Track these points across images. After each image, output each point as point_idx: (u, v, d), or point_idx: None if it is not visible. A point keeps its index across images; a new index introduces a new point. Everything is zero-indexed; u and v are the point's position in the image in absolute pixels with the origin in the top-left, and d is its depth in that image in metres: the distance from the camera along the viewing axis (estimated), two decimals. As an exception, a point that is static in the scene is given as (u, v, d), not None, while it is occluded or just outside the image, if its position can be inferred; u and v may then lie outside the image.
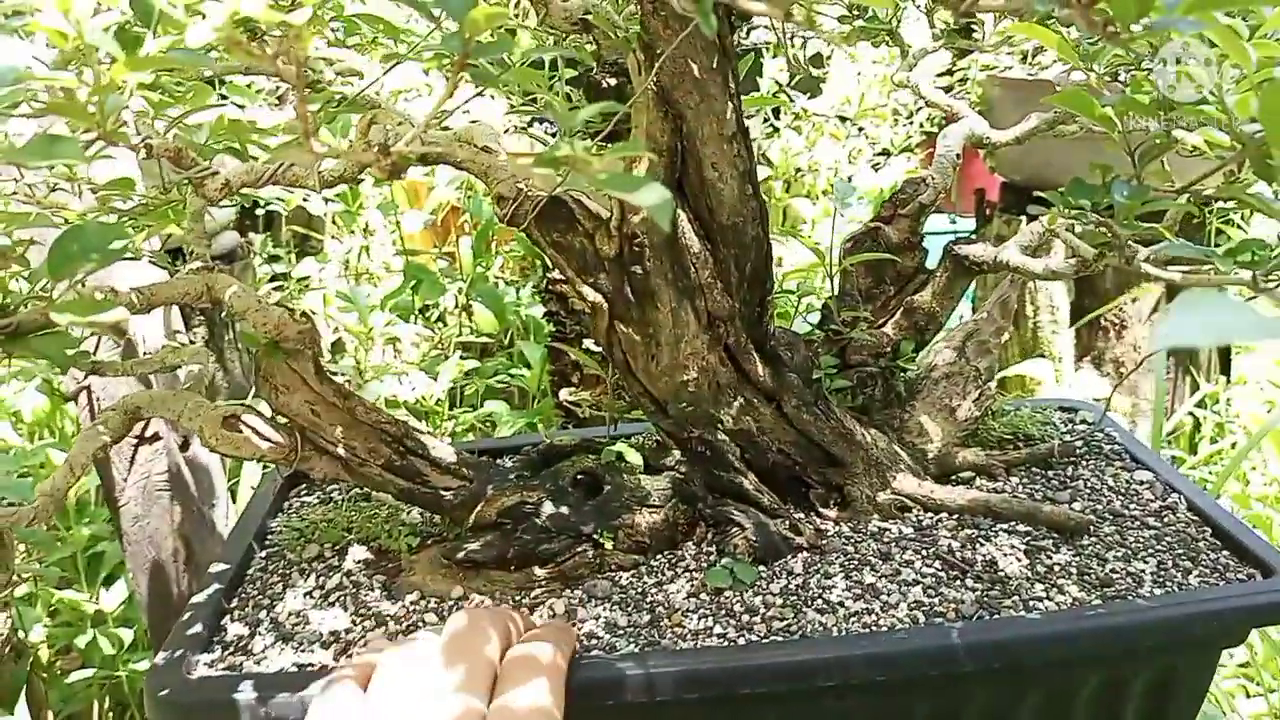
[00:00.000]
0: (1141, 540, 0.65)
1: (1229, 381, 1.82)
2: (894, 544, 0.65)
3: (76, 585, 1.44)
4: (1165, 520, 0.68)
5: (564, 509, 0.66)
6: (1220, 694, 1.23)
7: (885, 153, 2.48)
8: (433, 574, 0.65)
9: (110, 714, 1.37)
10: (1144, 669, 0.60)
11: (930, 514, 0.69)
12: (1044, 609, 0.59)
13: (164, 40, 0.37)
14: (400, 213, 2.07)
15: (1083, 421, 0.82)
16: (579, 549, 0.65)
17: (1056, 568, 0.62)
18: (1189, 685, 0.63)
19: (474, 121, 0.63)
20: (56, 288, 0.44)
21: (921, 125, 2.53)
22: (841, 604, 0.60)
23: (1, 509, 0.54)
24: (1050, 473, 0.74)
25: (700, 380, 0.65)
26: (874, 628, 0.57)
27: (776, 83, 2.34)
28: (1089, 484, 0.72)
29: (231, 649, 0.60)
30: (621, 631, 0.59)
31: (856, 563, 0.64)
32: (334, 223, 2.22)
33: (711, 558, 0.65)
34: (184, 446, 1.10)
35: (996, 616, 0.58)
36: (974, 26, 0.97)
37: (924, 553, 0.64)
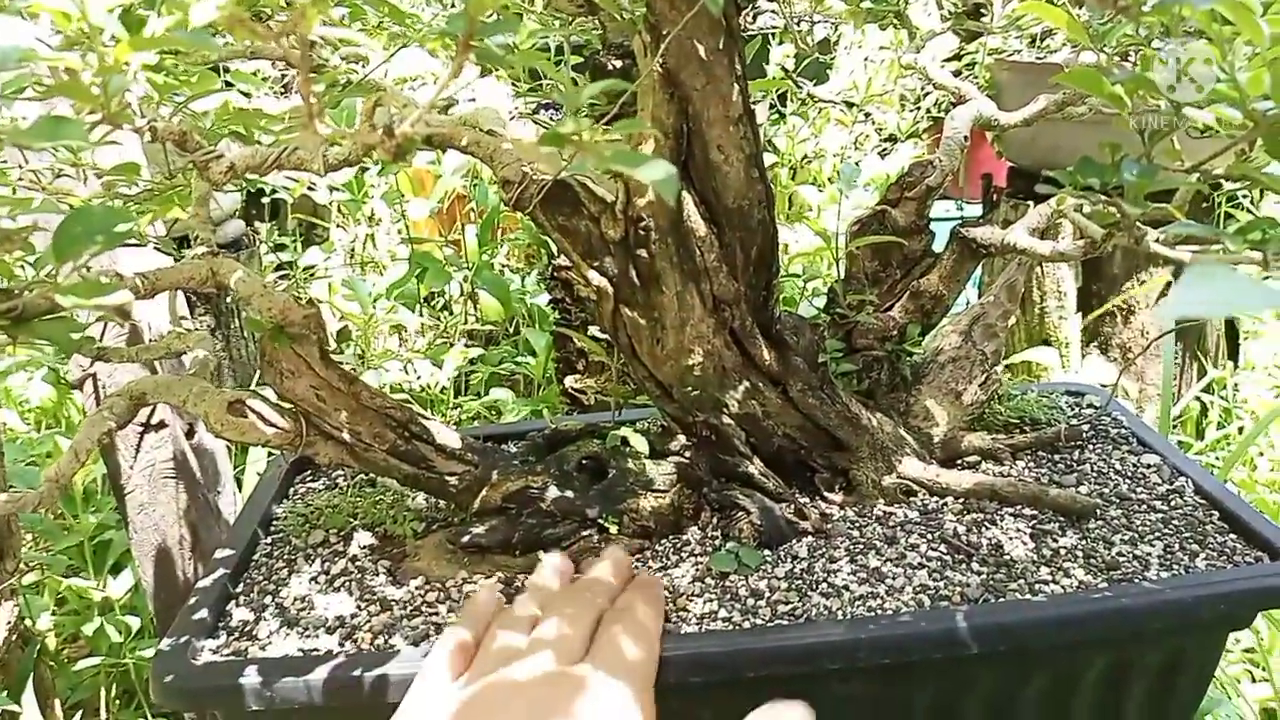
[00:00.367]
0: (1148, 523, 0.65)
1: (1236, 366, 1.81)
2: (899, 528, 0.65)
3: (84, 573, 1.44)
4: (1172, 503, 0.68)
5: (569, 494, 0.66)
6: (1226, 679, 1.23)
7: (892, 139, 2.47)
8: (438, 559, 0.65)
9: (117, 702, 1.38)
10: (1150, 652, 0.60)
11: (936, 498, 0.69)
12: (1050, 592, 0.59)
13: (168, 20, 0.37)
14: (406, 201, 2.07)
15: (1089, 406, 0.81)
16: (584, 534, 0.65)
17: (1062, 551, 0.62)
18: (1195, 668, 0.63)
19: (479, 106, 0.63)
20: (61, 273, 0.44)
21: (928, 111, 2.52)
22: (847, 588, 0.59)
23: (7, 495, 0.54)
24: (1056, 456, 0.74)
25: (705, 364, 0.65)
26: (879, 611, 0.57)
27: (783, 69, 2.33)
28: (1095, 468, 0.72)
29: (237, 634, 0.60)
30: (627, 615, 0.59)
31: (862, 547, 0.63)
32: (339, 212, 2.21)
33: (716, 542, 0.65)
34: (189, 433, 1.10)
35: (1002, 600, 0.58)
36: (982, 10, 0.97)
37: (929, 536, 0.64)
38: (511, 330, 2.09)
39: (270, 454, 1.34)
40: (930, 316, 0.73)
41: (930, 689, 0.58)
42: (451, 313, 2.14)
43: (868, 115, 2.42)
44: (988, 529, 0.65)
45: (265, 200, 2.12)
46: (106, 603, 1.40)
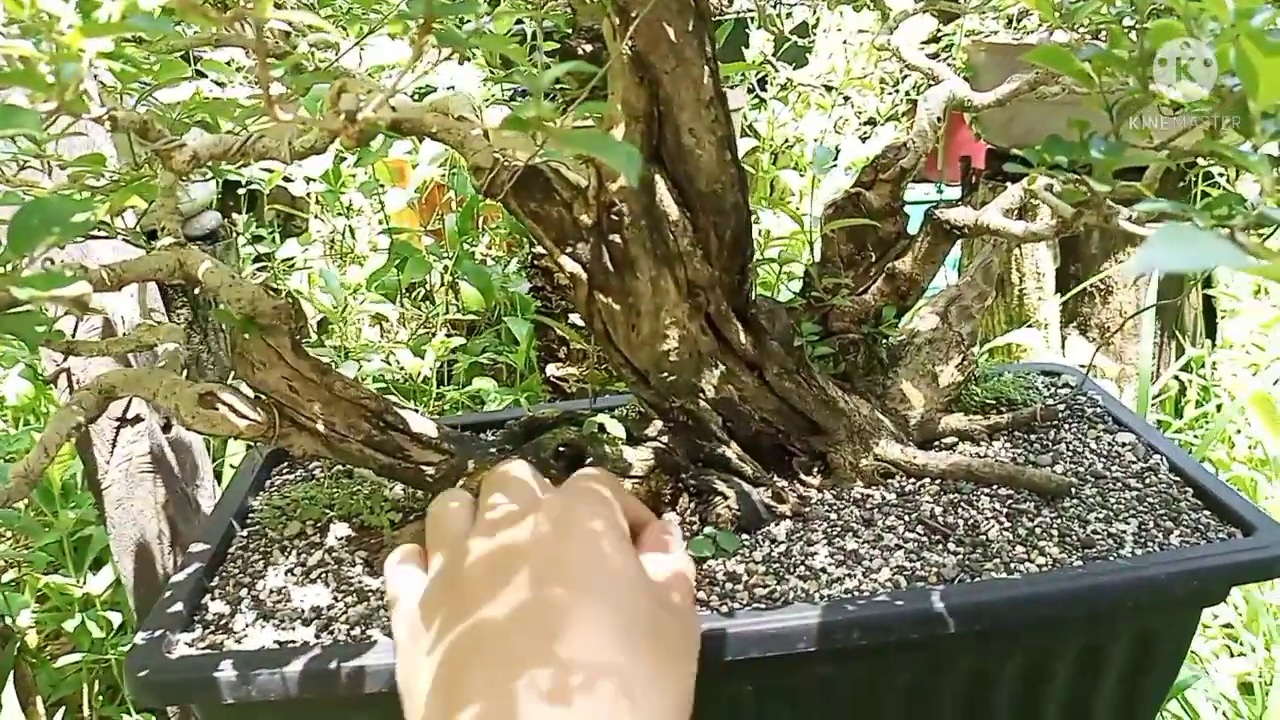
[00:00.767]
0: (1123, 501, 0.65)
1: (1214, 345, 1.83)
2: (877, 510, 0.65)
3: (64, 570, 1.43)
4: (1147, 481, 0.68)
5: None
6: (1205, 654, 1.25)
7: (871, 122, 2.47)
8: (416, 548, 0.65)
9: (100, 698, 1.37)
10: (1125, 629, 0.61)
11: (913, 479, 0.69)
12: (1025, 571, 0.59)
13: (124, 5, 0.36)
14: (384, 191, 2.06)
15: (1065, 385, 0.82)
16: (562, 521, 0.65)
17: (1038, 530, 0.62)
18: (1170, 644, 0.63)
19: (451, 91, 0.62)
20: (26, 265, 0.44)
21: (908, 94, 2.52)
22: (824, 570, 0.60)
23: (-25, 490, 0.53)
24: (1033, 436, 0.74)
25: (681, 349, 0.65)
26: (856, 593, 0.57)
27: (762, 53, 2.33)
28: (1071, 447, 0.72)
29: (212, 627, 0.59)
30: (605, 602, 0.58)
31: (839, 529, 0.64)
32: (317, 202, 2.20)
33: (695, 527, 0.65)
34: (166, 428, 1.10)
35: (978, 579, 0.58)
36: (956, -10, 0.96)
37: (906, 518, 0.64)
38: (494, 319, 2.08)
39: (249, 446, 1.33)
40: (906, 299, 0.73)
41: (908, 670, 0.58)
42: (433, 303, 2.13)
43: (847, 99, 2.41)
44: (964, 509, 0.65)
45: (242, 192, 2.10)
46: (88, 599, 1.40)
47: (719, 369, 0.66)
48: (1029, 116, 1.56)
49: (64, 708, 1.33)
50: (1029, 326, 1.69)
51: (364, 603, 0.60)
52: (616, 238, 0.61)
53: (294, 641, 0.57)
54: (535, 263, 1.74)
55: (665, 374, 0.65)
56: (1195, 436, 1.62)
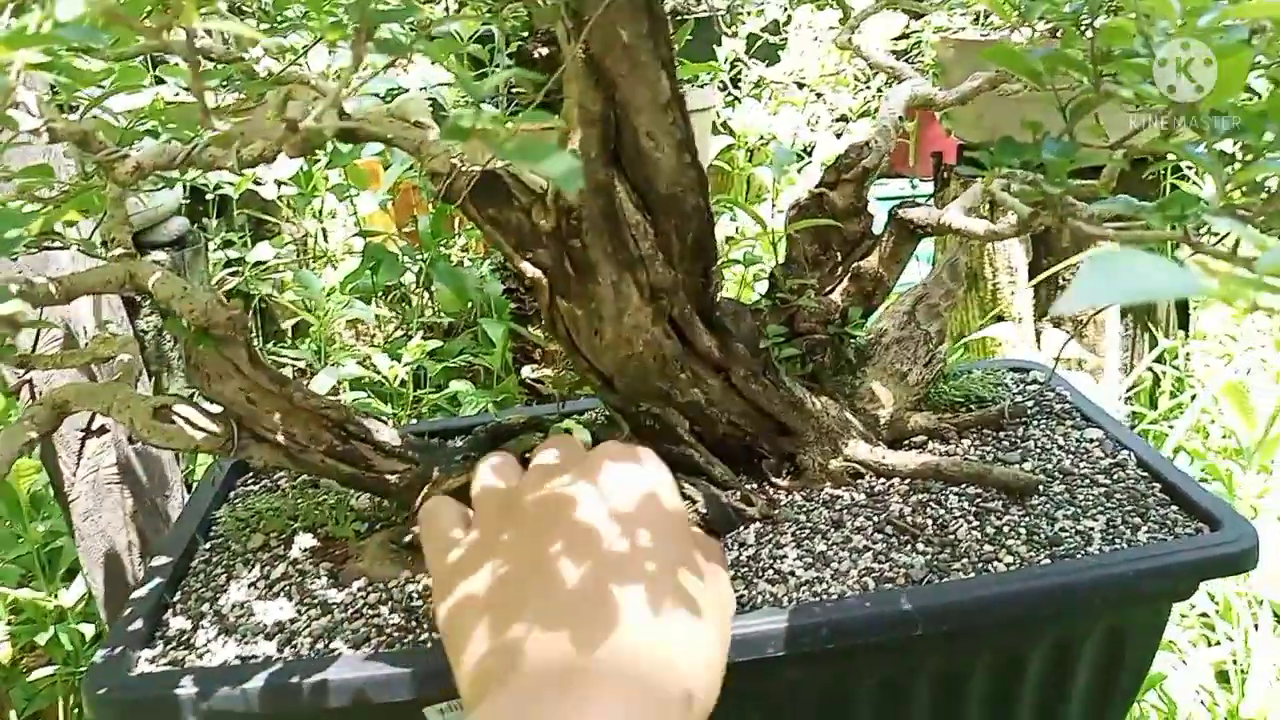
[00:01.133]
0: (1091, 498, 0.65)
1: (1188, 336, 1.84)
2: (845, 511, 0.65)
3: (36, 583, 1.41)
4: (1115, 477, 0.68)
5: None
6: (1180, 645, 1.25)
7: (844, 119, 2.47)
8: (380, 559, 0.64)
9: (76, 710, 1.35)
10: (1095, 626, 0.61)
11: (882, 479, 0.69)
12: (993, 570, 0.59)
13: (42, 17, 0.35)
14: (356, 194, 2.04)
15: (1033, 382, 0.82)
16: (528, 528, 0.64)
17: (1006, 528, 0.62)
18: (1140, 640, 0.63)
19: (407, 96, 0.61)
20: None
21: (880, 90, 2.52)
22: (793, 573, 0.59)
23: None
24: (1001, 434, 0.74)
25: (645, 353, 0.64)
26: (824, 596, 0.57)
27: (733, 51, 2.32)
28: (1039, 444, 0.72)
29: (174, 644, 0.58)
30: (571, 610, 0.58)
31: (808, 531, 0.63)
32: (289, 206, 2.18)
33: (663, 532, 0.64)
34: (133, 438, 1.08)
35: (946, 580, 0.58)
36: (920, -14, 0.96)
37: (875, 519, 0.64)
38: (470, 321, 2.07)
39: (213, 458, 1.32)
40: (872, 298, 0.73)
41: (877, 671, 0.58)
42: (409, 305, 2.11)
43: (819, 95, 2.41)
44: (933, 509, 0.65)
45: (210, 197, 2.07)
46: (60, 611, 1.38)
47: (684, 372, 0.66)
48: (999, 112, 1.56)
49: (38, 721, 1.31)
50: (1003, 320, 1.69)
51: (328, 615, 0.60)
52: (576, 242, 0.60)
53: (256, 657, 0.57)
54: (508, 265, 1.72)
55: (630, 378, 0.65)
56: (1170, 427, 1.63)
